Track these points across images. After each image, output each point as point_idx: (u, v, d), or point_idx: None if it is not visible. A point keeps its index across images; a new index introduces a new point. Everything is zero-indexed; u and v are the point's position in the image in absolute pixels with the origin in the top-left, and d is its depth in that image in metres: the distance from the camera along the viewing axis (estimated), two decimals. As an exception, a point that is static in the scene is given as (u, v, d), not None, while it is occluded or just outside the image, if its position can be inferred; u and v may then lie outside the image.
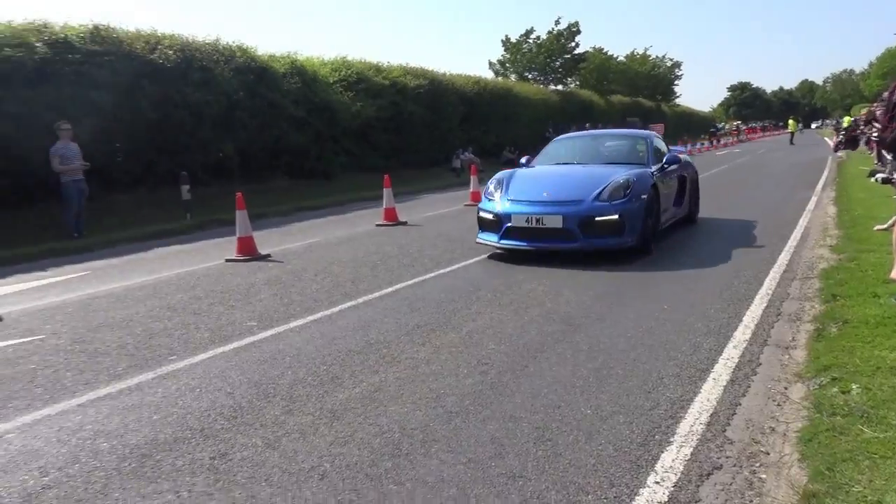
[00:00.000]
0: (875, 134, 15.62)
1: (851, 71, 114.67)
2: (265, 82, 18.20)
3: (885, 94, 4.82)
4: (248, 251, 8.76)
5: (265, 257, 8.76)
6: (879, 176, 13.21)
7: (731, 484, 2.77)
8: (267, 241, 10.07)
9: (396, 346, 4.73)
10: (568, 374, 4.05)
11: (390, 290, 6.52)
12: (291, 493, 2.82)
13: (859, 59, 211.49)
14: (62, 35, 13.38)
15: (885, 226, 7.72)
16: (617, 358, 4.29)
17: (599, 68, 53.43)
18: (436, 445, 3.19)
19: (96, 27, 14.32)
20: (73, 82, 12.93)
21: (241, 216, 8.91)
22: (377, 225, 11.65)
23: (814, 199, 12.46)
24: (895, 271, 5.39)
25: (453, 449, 3.15)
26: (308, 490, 2.84)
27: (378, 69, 24.27)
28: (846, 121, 42.28)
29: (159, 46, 15.35)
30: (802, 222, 9.66)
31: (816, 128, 69.12)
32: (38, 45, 12.72)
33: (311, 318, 5.61)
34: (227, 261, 8.65)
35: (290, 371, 4.33)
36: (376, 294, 6.36)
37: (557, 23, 46.19)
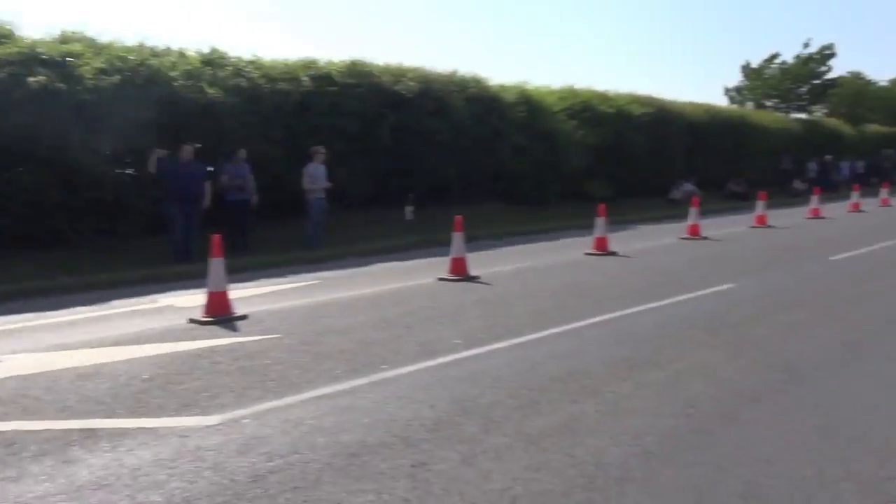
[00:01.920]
0: None
1: None
2: (494, 111, 18.93)
3: None
4: (460, 272, 9.15)
5: (475, 278, 9.08)
6: None
7: None
8: (477, 262, 10.40)
9: (598, 378, 4.65)
10: (786, 428, 3.69)
11: (596, 320, 6.42)
12: (482, 511, 2.84)
13: None
14: (325, 70, 15.14)
15: None
16: (847, 419, 3.82)
17: (855, 94, 47.96)
18: (631, 485, 3.09)
19: (353, 62, 15.93)
20: (328, 112, 14.52)
21: (457, 238, 9.36)
22: (586, 254, 11.52)
23: None
24: None
25: (649, 492, 3.03)
26: (498, 510, 2.84)
27: (604, 97, 24.10)
28: None
29: (403, 79, 16.65)
30: None
31: None
32: (304, 78, 14.50)
33: (514, 341, 5.71)
34: (440, 279, 9.10)
35: (490, 391, 4.44)
36: (581, 323, 6.30)
37: (807, 45, 42.38)
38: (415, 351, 5.47)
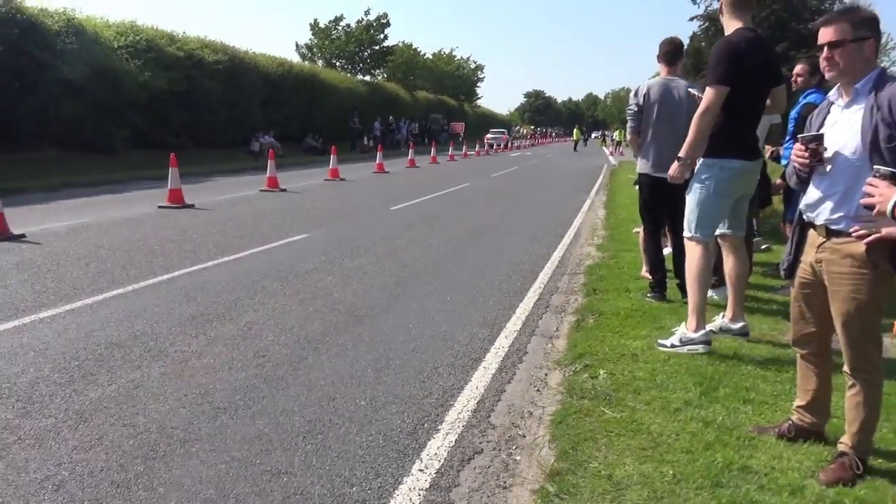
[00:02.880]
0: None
1: (628, 89, 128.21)
2: (33, 38, 16.08)
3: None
4: (-3, 231, 7.67)
5: (19, 238, 7.71)
6: (642, 183, 14.84)
7: (489, 467, 2.90)
8: (24, 219, 8.89)
9: (165, 339, 4.39)
10: (347, 365, 4.02)
11: (166, 277, 6.06)
12: (15, 508, 2.47)
13: (635, 79, 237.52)
14: None
15: (640, 228, 8.67)
16: (396, 349, 4.34)
17: (407, 63, 54.33)
18: (197, 445, 2.99)
19: None
20: None
21: (-11, 190, 7.77)
22: (160, 207, 10.80)
23: (588, 201, 13.71)
24: (643, 269, 6.06)
25: (216, 448, 2.97)
26: None
27: (172, 39, 22.55)
28: (618, 134, 47.67)
29: None
30: (577, 222, 10.56)
31: (595, 137, 77.21)
32: None
33: (67, 307, 5.02)
34: (-31, 241, 7.50)
35: (32, 368, 3.83)
36: (149, 282, 5.87)
37: (367, 13, 46.22)
38: (-74, 331, 4.39)
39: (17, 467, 2.76)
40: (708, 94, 3.98)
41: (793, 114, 5.81)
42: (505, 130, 59.60)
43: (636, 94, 5.39)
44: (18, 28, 15.65)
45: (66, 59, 16.90)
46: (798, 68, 5.86)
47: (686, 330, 4.15)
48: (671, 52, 5.33)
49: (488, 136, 49.48)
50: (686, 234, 4.25)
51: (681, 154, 4.18)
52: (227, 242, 7.84)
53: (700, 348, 4.05)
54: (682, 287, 5.32)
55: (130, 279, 5.93)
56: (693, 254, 4.20)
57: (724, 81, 3.93)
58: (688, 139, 4.09)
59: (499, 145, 46.99)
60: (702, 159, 4.17)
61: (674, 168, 4.26)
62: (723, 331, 4.39)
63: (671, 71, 5.34)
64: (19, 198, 11.38)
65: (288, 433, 3.13)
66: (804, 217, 2.80)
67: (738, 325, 4.38)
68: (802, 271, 2.83)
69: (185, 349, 4.21)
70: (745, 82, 3.96)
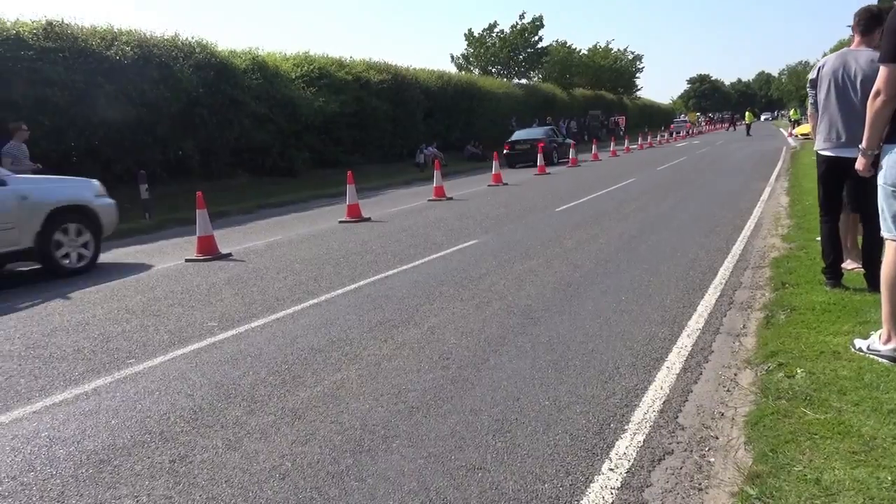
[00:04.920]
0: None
1: (806, 62, 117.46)
2: (226, 78, 17.99)
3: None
4: (209, 250, 8.69)
5: (226, 256, 8.69)
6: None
7: (681, 468, 2.86)
8: (228, 239, 9.98)
9: (359, 344, 4.76)
10: (527, 366, 4.12)
11: (353, 287, 6.54)
12: (252, 494, 2.83)
13: (814, 51, 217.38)
14: (13, 31, 13.09)
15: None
16: (575, 350, 4.37)
17: (562, 62, 53.82)
18: (397, 441, 3.23)
19: (50, 23, 14.02)
20: (26, 80, 12.66)
21: (201, 215, 8.83)
22: (340, 221, 11.63)
23: (768, 189, 12.80)
24: (845, 260, 5.57)
25: (414, 443, 3.20)
26: (269, 490, 2.85)
27: (341, 64, 24.15)
28: (793, 113, 43.86)
29: (116, 42, 15.09)
30: (757, 212, 9.92)
31: (765, 119, 71.88)
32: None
33: (272, 316, 5.60)
34: (188, 261, 8.56)
35: (251, 371, 4.33)
36: (339, 291, 6.37)
37: (522, 17, 46.43)
38: (165, 340, 5.11)
39: (249, 458, 3.15)
40: (879, 74, 3.58)
41: None
42: (688, 120, 72.70)
43: (813, 69, 5.12)
44: (214, 70, 17.58)
45: (253, 94, 18.73)
46: None
47: (877, 338, 3.68)
48: (864, 21, 4.86)
49: (672, 125, 64.10)
50: (883, 233, 3.79)
51: (862, 145, 3.80)
52: (404, 252, 8.29)
53: (885, 363, 3.57)
54: (868, 278, 4.86)
55: (322, 289, 6.48)
56: (888, 254, 3.69)
57: (892, 58, 3.52)
58: (866, 127, 3.72)
59: (683, 132, 56.46)
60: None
61: (860, 162, 3.88)
62: (870, 350, 3.69)
63: (865, 41, 4.88)
64: (222, 220, 12.79)
65: (478, 431, 3.29)
66: None
67: (890, 346, 3.64)
68: None
69: (376, 353, 4.54)
70: None
